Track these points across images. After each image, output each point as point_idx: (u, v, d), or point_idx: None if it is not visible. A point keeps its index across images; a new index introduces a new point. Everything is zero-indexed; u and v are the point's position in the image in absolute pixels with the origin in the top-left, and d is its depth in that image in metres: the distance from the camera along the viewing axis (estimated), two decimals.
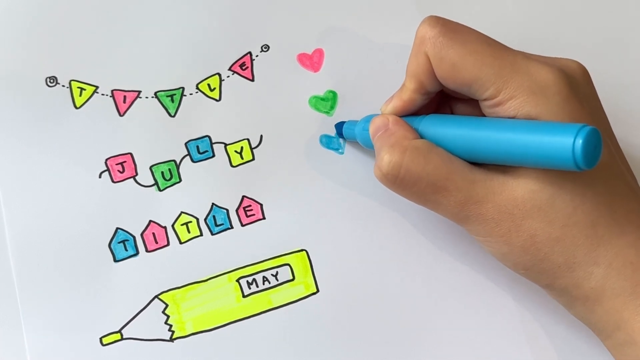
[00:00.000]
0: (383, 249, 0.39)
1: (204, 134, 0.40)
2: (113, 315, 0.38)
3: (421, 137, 0.35)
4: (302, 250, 0.39)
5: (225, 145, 0.40)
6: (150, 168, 0.39)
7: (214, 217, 0.39)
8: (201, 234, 0.39)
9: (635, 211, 0.33)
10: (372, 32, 0.42)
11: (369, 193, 0.40)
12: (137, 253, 0.39)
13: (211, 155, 0.40)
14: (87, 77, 0.40)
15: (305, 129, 0.40)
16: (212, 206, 0.39)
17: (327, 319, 0.39)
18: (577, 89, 0.33)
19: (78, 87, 0.40)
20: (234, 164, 0.40)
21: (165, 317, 0.38)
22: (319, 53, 0.41)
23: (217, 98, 0.40)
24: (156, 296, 0.38)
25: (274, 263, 0.39)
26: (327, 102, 0.41)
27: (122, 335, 0.38)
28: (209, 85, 0.40)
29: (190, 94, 0.40)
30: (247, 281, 0.39)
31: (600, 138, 0.30)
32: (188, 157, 0.40)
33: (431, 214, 0.36)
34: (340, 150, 0.40)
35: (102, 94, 0.40)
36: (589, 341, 0.38)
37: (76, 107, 0.40)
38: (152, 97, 0.40)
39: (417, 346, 0.39)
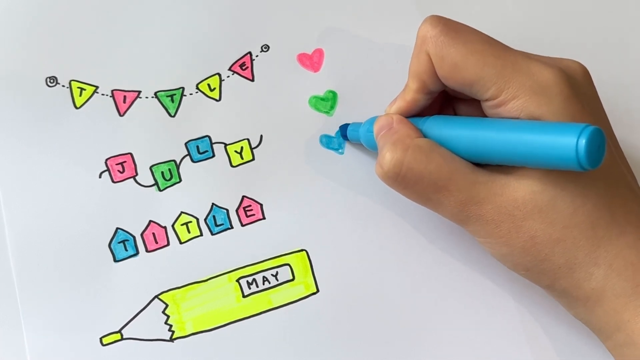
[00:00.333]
0: (383, 249, 0.39)
1: (204, 134, 0.40)
2: (113, 315, 0.38)
3: (428, 135, 0.35)
4: (302, 250, 0.39)
5: (225, 145, 0.40)
6: (150, 168, 0.39)
7: (214, 217, 0.39)
8: (201, 234, 0.39)
9: (635, 212, 0.33)
10: (372, 32, 0.42)
11: (369, 193, 0.40)
12: (137, 253, 0.39)
13: (211, 155, 0.40)
14: (87, 77, 0.40)
15: (305, 129, 0.40)
16: (212, 206, 0.39)
17: (327, 319, 0.39)
18: (578, 89, 0.33)
19: (78, 87, 0.40)
20: (234, 164, 0.40)
21: (165, 317, 0.38)
22: (319, 53, 0.41)
23: (217, 98, 0.40)
24: (156, 296, 0.38)
25: (274, 263, 0.39)
26: (327, 102, 0.41)
27: (122, 335, 0.38)
28: (209, 85, 0.40)
29: (190, 94, 0.40)
30: (247, 281, 0.39)
31: (604, 138, 0.30)
32: (188, 157, 0.40)
33: (431, 214, 0.36)
34: (340, 150, 0.40)
35: (102, 94, 0.40)
36: (589, 342, 0.38)
37: (76, 107, 0.40)
38: (152, 97, 0.40)
39: (417, 346, 0.39)
